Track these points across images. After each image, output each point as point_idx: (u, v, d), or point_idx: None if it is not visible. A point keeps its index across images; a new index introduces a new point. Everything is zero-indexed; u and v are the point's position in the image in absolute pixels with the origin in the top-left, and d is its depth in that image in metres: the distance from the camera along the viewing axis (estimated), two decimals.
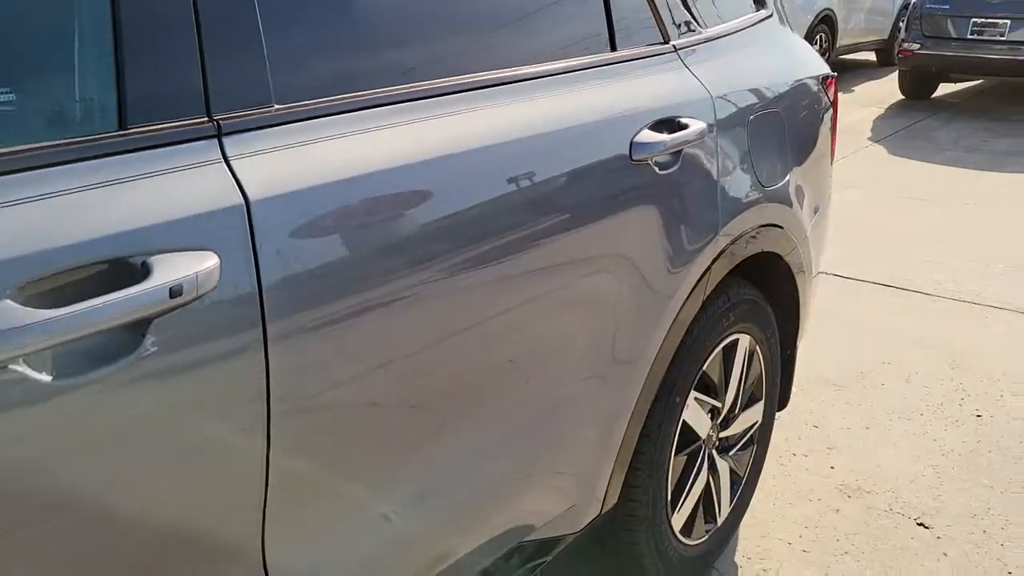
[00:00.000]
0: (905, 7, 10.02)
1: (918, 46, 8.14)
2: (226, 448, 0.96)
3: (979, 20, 7.81)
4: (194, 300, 0.88)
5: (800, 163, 2.04)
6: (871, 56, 11.01)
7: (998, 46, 7.74)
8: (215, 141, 0.95)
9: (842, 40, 9.62)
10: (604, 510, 1.67)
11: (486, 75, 1.31)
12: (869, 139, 7.02)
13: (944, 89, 8.96)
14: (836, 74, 2.34)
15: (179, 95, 0.93)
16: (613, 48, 1.58)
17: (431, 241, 1.14)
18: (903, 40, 8.54)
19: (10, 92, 0.85)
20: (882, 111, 8.19)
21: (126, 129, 0.90)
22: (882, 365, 3.14)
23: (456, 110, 1.23)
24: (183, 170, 0.92)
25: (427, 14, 1.25)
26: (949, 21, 7.99)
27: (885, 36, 10.44)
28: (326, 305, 1.02)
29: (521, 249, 1.28)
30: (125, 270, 0.85)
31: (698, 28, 1.83)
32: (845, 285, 3.89)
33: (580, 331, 1.45)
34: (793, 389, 2.35)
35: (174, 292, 0.86)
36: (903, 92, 8.73)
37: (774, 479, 2.46)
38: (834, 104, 2.26)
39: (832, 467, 2.54)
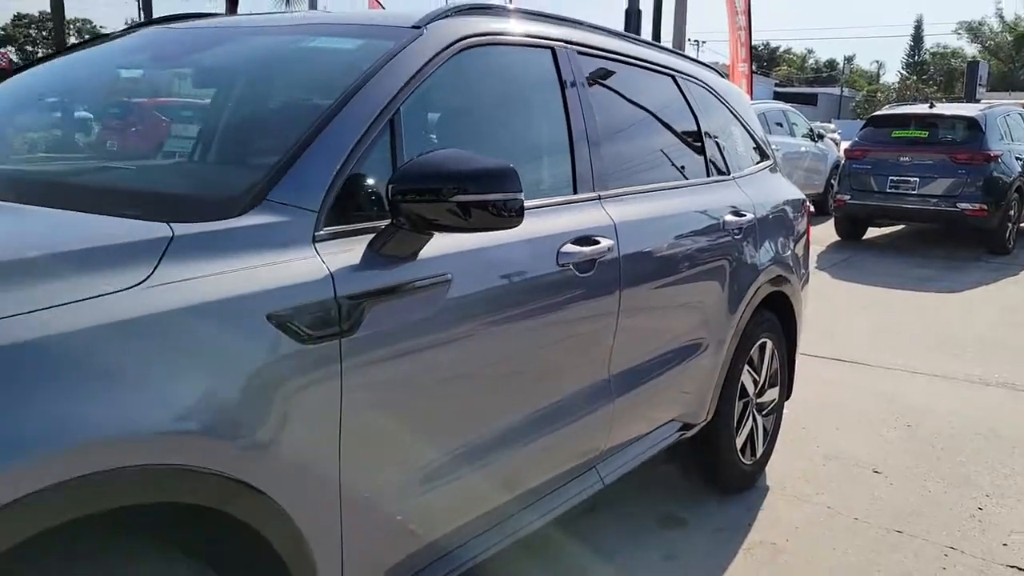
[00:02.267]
0: (836, 166, 12.20)
1: (848, 197, 10.12)
2: (603, 331, 2.39)
3: (895, 177, 9.83)
4: (603, 259, 2.33)
5: (796, 243, 3.60)
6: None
7: (911, 198, 9.73)
8: (599, 200, 2.44)
9: None
10: (709, 417, 3.08)
11: (660, 184, 2.84)
12: (815, 267, 8.78)
13: (872, 232, 10.93)
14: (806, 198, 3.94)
15: (587, 178, 2.42)
16: (708, 174, 3.15)
17: (676, 253, 2.64)
18: (836, 192, 10.60)
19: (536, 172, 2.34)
20: (823, 248, 10.04)
21: (576, 192, 2.38)
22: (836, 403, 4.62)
23: (643, 199, 2.74)
24: (590, 206, 2.39)
25: (645, 160, 2.79)
26: (872, 178, 10.00)
27: (820, 189, 12.51)
28: (650, 278, 2.48)
29: (700, 263, 2.79)
30: (591, 242, 2.30)
31: (738, 170, 3.41)
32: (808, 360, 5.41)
33: (710, 318, 2.92)
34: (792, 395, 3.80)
35: (592, 255, 2.29)
36: (839, 234, 10.67)
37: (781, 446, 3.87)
38: (808, 214, 3.85)
39: (817, 446, 3.96)
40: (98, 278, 1.32)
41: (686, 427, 3.01)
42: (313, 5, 23.24)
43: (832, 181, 12.25)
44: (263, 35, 2.41)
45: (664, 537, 3.05)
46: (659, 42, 16.83)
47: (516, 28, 2.40)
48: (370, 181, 1.77)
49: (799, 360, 3.82)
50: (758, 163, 3.69)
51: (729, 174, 3.30)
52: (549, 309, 2.17)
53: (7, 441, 1.13)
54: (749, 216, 3.18)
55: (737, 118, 3.60)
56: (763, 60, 76.76)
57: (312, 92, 2.06)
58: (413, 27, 2.08)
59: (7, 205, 1.60)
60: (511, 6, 2.57)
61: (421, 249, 1.78)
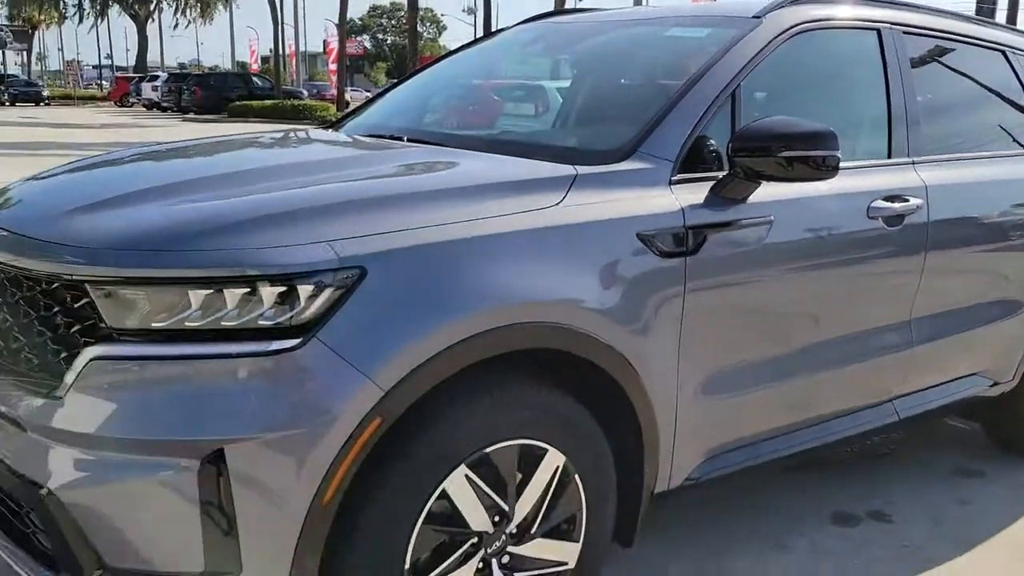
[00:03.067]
0: None
1: None
2: (907, 283, 2.69)
3: None
4: (911, 215, 2.63)
5: None
6: None
7: None
8: (912, 164, 2.73)
9: None
10: (1016, 380, 3.21)
11: (976, 153, 3.02)
12: None
13: None
14: None
15: (902, 145, 2.73)
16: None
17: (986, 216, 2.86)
18: None
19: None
20: None
21: (889, 158, 2.70)
22: None
23: (958, 165, 2.93)
24: (903, 169, 2.70)
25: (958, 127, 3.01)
26: None
27: None
28: (958, 237, 2.75)
29: (1012, 229, 2.96)
30: (901, 200, 2.62)
31: None
32: None
33: (1020, 283, 3.07)
34: None
35: (901, 211, 2.61)
36: None
37: None
38: None
39: None
40: (530, 197, 1.97)
41: (991, 385, 3.18)
42: None
43: None
44: (631, 27, 3.01)
45: (958, 484, 3.26)
46: (1016, 4, 15.09)
47: (844, 13, 2.77)
48: (713, 141, 2.27)
49: None
50: None
51: None
52: (856, 255, 2.54)
53: (467, 301, 1.79)
54: None
55: None
56: None
57: (671, 72, 2.60)
58: (754, 16, 2.54)
59: (480, 153, 2.35)
60: None
61: (751, 195, 2.26)
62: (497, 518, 1.92)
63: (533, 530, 1.99)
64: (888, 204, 2.58)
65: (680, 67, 2.49)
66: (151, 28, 56.61)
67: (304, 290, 1.65)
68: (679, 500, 2.32)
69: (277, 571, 1.67)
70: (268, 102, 31.27)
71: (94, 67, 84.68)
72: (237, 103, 32.08)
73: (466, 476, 1.84)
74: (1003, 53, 3.31)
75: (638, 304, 2.05)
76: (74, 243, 1.74)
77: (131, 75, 48.38)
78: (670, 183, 2.17)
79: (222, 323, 1.64)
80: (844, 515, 2.96)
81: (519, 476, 1.94)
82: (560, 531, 2.05)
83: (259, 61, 55.72)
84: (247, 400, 1.63)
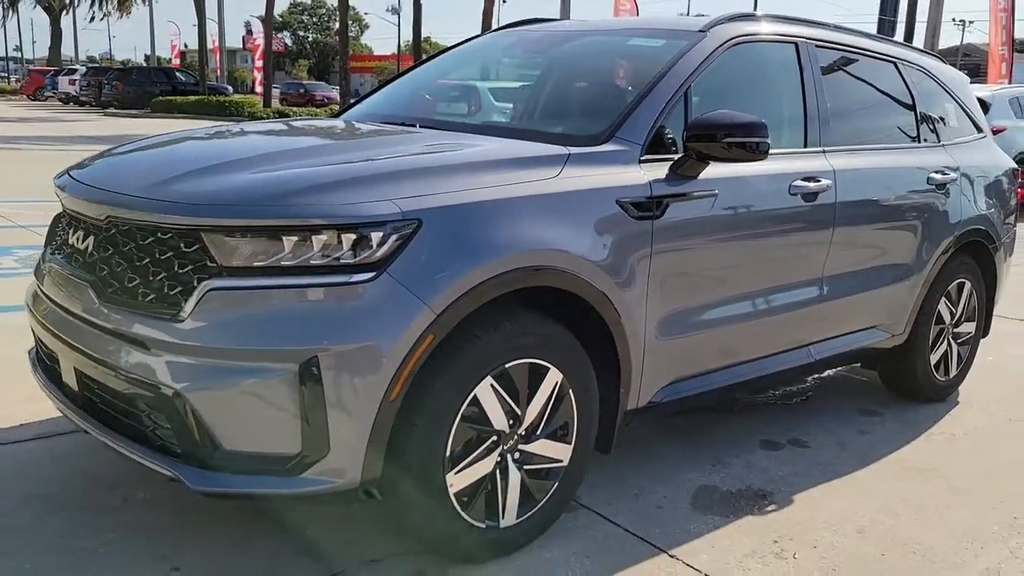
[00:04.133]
0: None
1: None
2: (819, 246, 3.33)
3: None
4: (823, 192, 3.28)
5: (1000, 202, 4.30)
6: None
7: None
8: (823, 152, 3.38)
9: None
10: (907, 332, 3.91)
11: (874, 144, 3.71)
12: None
13: None
14: (1019, 167, 4.58)
15: (815, 137, 3.37)
16: (919, 141, 3.96)
17: (882, 196, 3.53)
18: None
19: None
20: None
21: (805, 147, 3.35)
22: None
23: (859, 154, 3.61)
24: (816, 156, 3.34)
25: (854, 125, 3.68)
26: None
27: None
28: (858, 212, 3.40)
29: (903, 207, 3.65)
30: (815, 180, 3.27)
31: (949, 140, 4.16)
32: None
33: (910, 252, 3.76)
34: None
35: (815, 189, 3.25)
36: None
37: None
38: (1020, 176, 4.49)
39: (1015, 383, 4.60)
40: (536, 171, 2.52)
41: (887, 337, 3.87)
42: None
43: None
44: (599, 35, 3.60)
45: (861, 420, 3.94)
46: (913, 20, 16.39)
47: (769, 29, 3.40)
48: (670, 129, 2.86)
49: (1010, 323, 4.49)
50: (971, 135, 4.40)
51: (939, 142, 4.08)
52: (780, 223, 3.18)
53: (496, 247, 2.33)
54: (953, 175, 3.96)
55: (953, 97, 4.34)
56: None
57: (636, 74, 3.18)
58: (699, 31, 3.15)
59: (490, 137, 2.87)
60: (759, 13, 3.54)
61: (700, 173, 2.85)
62: (511, 421, 2.46)
63: (538, 432, 2.54)
64: (805, 184, 3.22)
65: (643, 70, 3.07)
66: (64, 21, 54.88)
67: (376, 236, 2.17)
68: (641, 426, 2.89)
69: (356, 452, 2.17)
70: (192, 98, 30.95)
71: (0, 59, 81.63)
72: (161, 98, 31.63)
73: (491, 385, 2.38)
74: (895, 64, 4.01)
75: (617, 256, 2.61)
76: (190, 201, 2.22)
77: (45, 68, 46.97)
78: (639, 162, 2.75)
79: (311, 262, 2.14)
80: (770, 442, 3.60)
81: (528, 388, 2.49)
82: (557, 434, 2.60)
83: (181, 56, 54.77)
84: (334, 319, 2.13)
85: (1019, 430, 3.92)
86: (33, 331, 2.79)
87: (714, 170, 2.88)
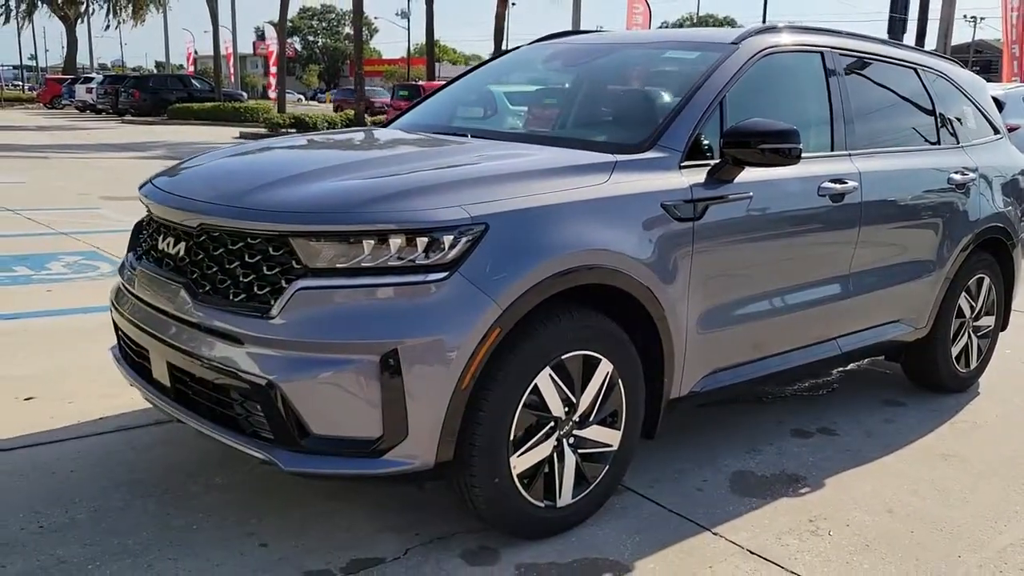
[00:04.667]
0: None
1: None
2: (846, 244, 3.53)
3: None
4: (850, 194, 3.47)
5: (1020, 200, 4.48)
6: None
7: None
8: (849, 156, 3.58)
9: None
10: (929, 325, 4.10)
11: (897, 147, 3.90)
12: None
13: None
14: None
15: (841, 141, 3.57)
16: (939, 143, 4.15)
17: (906, 195, 3.72)
18: None
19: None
20: None
21: (832, 151, 3.54)
22: None
23: (883, 157, 3.80)
24: (843, 160, 3.54)
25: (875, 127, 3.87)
26: None
27: None
28: (884, 211, 3.59)
29: (926, 205, 3.84)
30: (842, 182, 3.46)
31: (968, 141, 4.34)
32: None
33: (932, 249, 3.95)
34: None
35: (842, 190, 3.44)
36: None
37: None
38: None
39: None
40: (587, 177, 2.73)
41: (911, 330, 4.05)
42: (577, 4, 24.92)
43: None
44: (636, 48, 3.81)
45: (886, 410, 4.13)
46: (926, 18, 16.51)
47: (797, 39, 3.59)
48: (708, 136, 3.06)
49: None
50: (988, 136, 4.58)
51: (958, 143, 4.27)
52: (810, 223, 3.37)
53: (554, 247, 2.53)
54: (972, 175, 4.14)
55: (970, 100, 4.52)
56: None
57: (675, 84, 3.38)
58: (732, 43, 3.35)
59: (543, 146, 3.08)
60: (784, 24, 3.74)
61: (736, 177, 3.05)
62: (567, 408, 2.67)
63: (591, 418, 2.74)
64: (833, 185, 3.42)
65: (681, 81, 3.28)
66: (79, 29, 55.46)
67: (447, 239, 2.38)
68: (683, 415, 3.09)
69: (432, 435, 2.39)
70: (208, 104, 31.31)
71: (14, 68, 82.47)
72: (177, 105, 32.01)
73: (550, 375, 2.58)
74: (915, 70, 4.20)
75: (662, 255, 2.82)
76: (279, 209, 2.43)
77: (62, 76, 47.49)
78: (680, 168, 2.95)
79: (389, 263, 2.36)
80: (800, 431, 3.80)
81: (582, 378, 2.69)
82: (608, 421, 2.80)
83: (196, 63, 55.29)
84: (411, 314, 2.34)
85: None
86: (117, 328, 3.02)
87: (748, 174, 3.08)
